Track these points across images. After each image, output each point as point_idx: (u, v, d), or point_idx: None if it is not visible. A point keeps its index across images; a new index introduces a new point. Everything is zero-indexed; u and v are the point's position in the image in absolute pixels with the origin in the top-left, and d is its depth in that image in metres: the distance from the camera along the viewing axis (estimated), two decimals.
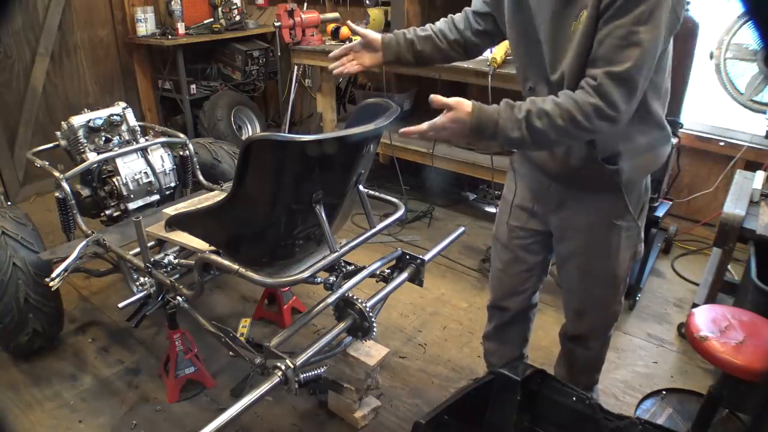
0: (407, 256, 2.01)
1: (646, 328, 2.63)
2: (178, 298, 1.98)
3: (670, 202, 3.08)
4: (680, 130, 2.72)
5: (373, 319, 1.76)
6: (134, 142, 2.63)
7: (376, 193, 2.14)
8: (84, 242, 2.18)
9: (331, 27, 3.69)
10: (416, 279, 2.01)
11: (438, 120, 1.36)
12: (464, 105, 1.33)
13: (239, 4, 4.68)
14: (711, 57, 3.05)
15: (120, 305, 1.96)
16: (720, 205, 2.32)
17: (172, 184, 2.68)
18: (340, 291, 1.78)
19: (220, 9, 4.57)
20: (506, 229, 1.79)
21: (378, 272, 2.00)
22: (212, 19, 4.61)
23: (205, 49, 4.75)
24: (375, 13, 4.06)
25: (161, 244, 2.30)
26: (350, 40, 3.52)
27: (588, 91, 1.22)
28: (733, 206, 2.17)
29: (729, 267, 2.43)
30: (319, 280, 2.08)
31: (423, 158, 3.56)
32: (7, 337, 2.26)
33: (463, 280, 3.03)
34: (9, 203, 3.68)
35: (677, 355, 2.47)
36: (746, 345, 1.55)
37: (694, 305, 2.13)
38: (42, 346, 2.38)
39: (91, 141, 2.56)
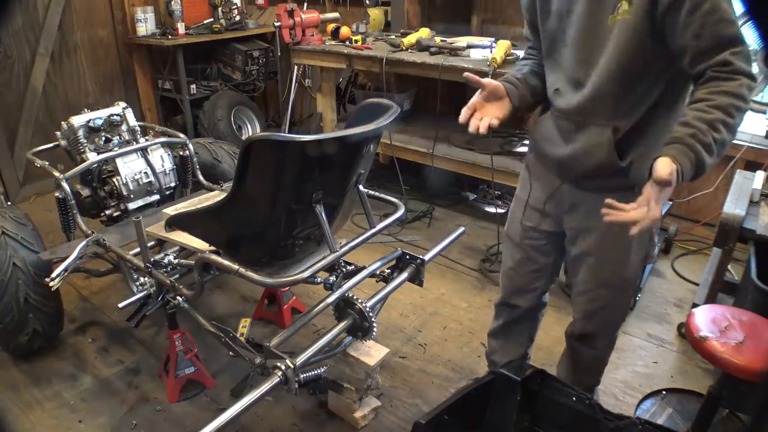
0: (407, 256, 2.01)
1: (646, 328, 2.63)
2: (178, 298, 1.98)
3: (670, 202, 3.08)
4: None
5: (373, 319, 1.76)
6: (134, 142, 2.63)
7: (376, 193, 2.14)
8: (84, 242, 2.18)
9: (331, 27, 3.69)
10: (416, 279, 2.01)
11: (654, 195, 1.23)
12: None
13: (239, 4, 4.68)
14: None
15: (120, 305, 1.96)
16: (720, 205, 2.32)
17: (172, 184, 2.68)
18: (340, 291, 1.78)
19: (220, 9, 4.57)
20: (519, 228, 1.78)
21: (378, 272, 2.00)
22: (212, 19, 4.61)
23: (205, 49, 4.75)
24: (375, 13, 4.07)
25: (161, 244, 2.30)
26: (350, 40, 3.53)
27: (730, 77, 1.22)
28: (733, 206, 2.17)
29: (729, 267, 2.43)
30: (319, 280, 2.08)
31: (423, 158, 3.56)
32: (7, 337, 2.25)
33: (463, 280, 3.03)
34: (9, 203, 3.68)
35: (677, 355, 2.47)
36: (746, 345, 1.55)
37: (694, 305, 2.13)
38: (42, 346, 2.38)
39: (91, 141, 2.56)
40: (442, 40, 3.33)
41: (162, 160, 2.63)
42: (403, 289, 2.11)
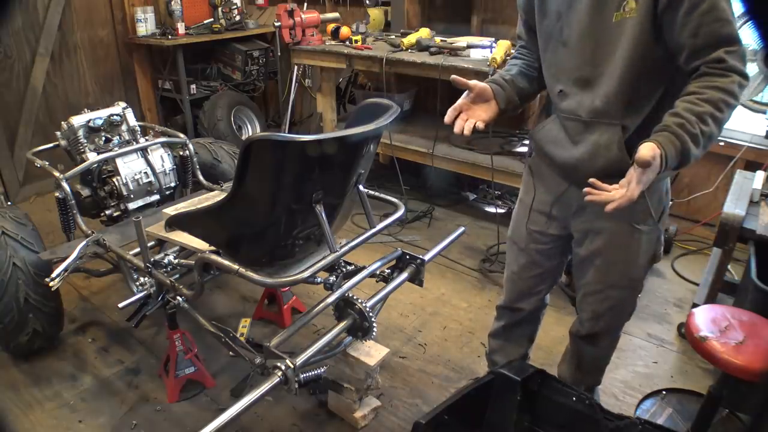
0: (407, 256, 2.01)
1: (646, 328, 2.63)
2: (178, 298, 1.98)
3: (671, 202, 3.08)
4: None
5: (373, 319, 1.76)
6: (134, 142, 2.63)
7: (376, 193, 2.14)
8: (84, 242, 2.18)
9: (331, 27, 3.69)
10: (416, 279, 2.01)
11: (635, 177, 1.24)
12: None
13: (239, 4, 4.68)
14: None
15: (120, 305, 1.96)
16: (720, 205, 2.32)
17: (172, 184, 2.68)
18: (340, 291, 1.78)
19: (220, 9, 4.57)
20: (525, 233, 1.76)
21: (378, 272, 2.00)
22: (212, 19, 4.61)
23: (205, 49, 4.75)
24: (375, 13, 4.07)
25: (161, 244, 2.30)
26: (350, 40, 3.53)
27: (723, 74, 1.25)
28: (733, 206, 2.17)
29: (729, 267, 2.43)
30: (319, 280, 2.08)
31: (423, 158, 3.56)
32: (7, 337, 2.25)
33: (463, 280, 3.03)
34: (9, 203, 3.68)
35: (677, 355, 2.47)
36: (746, 345, 1.55)
37: (694, 305, 2.13)
38: (42, 346, 2.38)
39: (91, 141, 2.56)
40: (442, 40, 3.33)
41: (162, 160, 2.63)
42: (403, 289, 2.11)
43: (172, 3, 4.36)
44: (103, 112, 2.60)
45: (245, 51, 4.72)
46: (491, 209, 3.77)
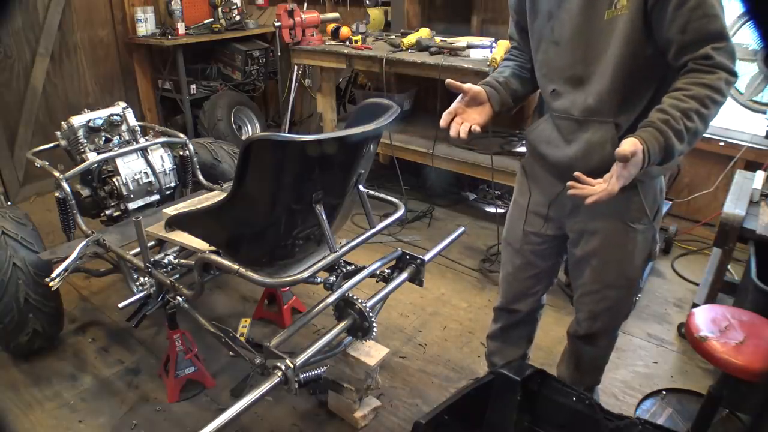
0: (407, 256, 2.01)
1: (646, 328, 2.63)
2: (178, 298, 1.98)
3: (670, 202, 3.09)
4: None
5: (373, 319, 1.76)
6: (134, 142, 2.63)
7: (376, 193, 2.14)
8: (84, 242, 2.18)
9: (331, 27, 3.69)
10: (416, 279, 2.01)
11: (616, 172, 1.26)
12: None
13: (239, 4, 4.68)
14: None
15: (120, 305, 1.96)
16: (720, 205, 2.32)
17: (172, 184, 2.68)
18: (340, 291, 1.78)
19: (220, 9, 4.57)
20: (520, 234, 1.77)
21: (378, 272, 2.00)
22: (212, 19, 4.61)
23: (205, 49, 4.75)
24: (375, 13, 4.07)
25: (161, 244, 2.30)
26: (350, 40, 3.53)
27: (710, 71, 1.25)
28: (733, 206, 2.17)
29: (729, 267, 2.43)
30: (319, 280, 2.08)
31: (423, 158, 3.56)
32: (7, 337, 2.25)
33: (463, 280, 3.03)
34: (9, 203, 3.68)
35: (677, 355, 2.47)
36: (746, 345, 1.55)
37: (694, 305, 2.13)
38: (42, 346, 2.38)
39: (91, 141, 2.56)
40: (442, 40, 3.33)
41: (162, 160, 2.63)
42: (403, 289, 2.11)
43: (172, 3, 4.36)
44: (103, 112, 2.60)
45: (245, 51, 4.72)
46: (491, 209, 3.77)
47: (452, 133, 1.47)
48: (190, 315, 1.98)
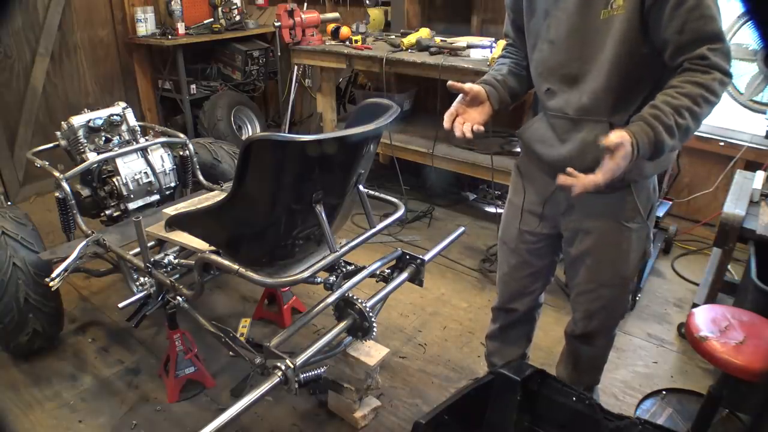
0: (407, 256, 2.01)
1: (646, 328, 2.63)
2: (178, 298, 1.98)
3: (670, 202, 3.08)
4: None
5: (373, 319, 1.76)
6: (134, 142, 2.63)
7: (376, 193, 2.14)
8: (84, 242, 2.18)
9: (331, 27, 3.69)
10: (416, 279, 2.01)
11: (605, 165, 1.27)
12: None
13: (239, 4, 4.68)
14: None
15: (120, 305, 1.96)
16: (720, 205, 2.32)
17: (172, 184, 2.68)
18: (340, 291, 1.78)
19: (220, 9, 4.57)
20: (516, 233, 1.77)
21: (378, 272, 2.00)
22: (212, 19, 4.61)
23: (205, 49, 4.75)
24: (375, 13, 4.07)
25: (161, 244, 2.30)
26: (350, 40, 3.53)
27: (705, 71, 1.26)
28: (733, 206, 2.17)
29: (729, 267, 2.43)
30: (319, 280, 2.08)
31: (423, 158, 3.56)
32: (7, 337, 2.25)
33: (463, 280, 3.03)
34: (9, 203, 3.68)
35: (677, 355, 2.47)
36: (746, 345, 1.55)
37: (694, 305, 2.13)
38: (42, 346, 2.38)
39: (91, 141, 2.56)
40: (442, 40, 3.33)
41: (162, 160, 2.63)
42: (403, 289, 2.11)
43: (172, 3, 4.36)
44: (103, 112, 2.60)
45: (245, 51, 4.72)
46: (491, 209, 3.77)
47: (457, 133, 1.48)
48: (190, 315, 1.98)
